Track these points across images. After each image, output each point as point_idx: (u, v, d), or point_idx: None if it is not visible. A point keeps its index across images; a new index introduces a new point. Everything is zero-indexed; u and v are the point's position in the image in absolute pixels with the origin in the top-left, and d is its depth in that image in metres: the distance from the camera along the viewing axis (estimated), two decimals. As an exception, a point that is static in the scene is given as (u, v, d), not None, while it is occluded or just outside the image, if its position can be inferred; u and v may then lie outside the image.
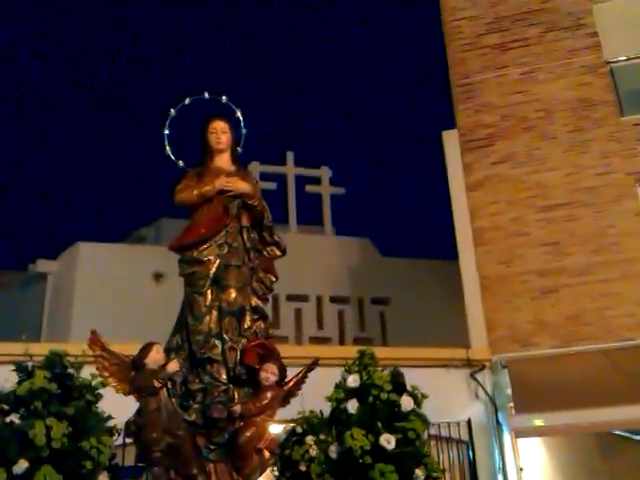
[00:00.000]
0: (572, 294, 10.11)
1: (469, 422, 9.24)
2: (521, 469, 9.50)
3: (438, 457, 7.64)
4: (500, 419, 9.77)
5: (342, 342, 13.42)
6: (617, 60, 11.27)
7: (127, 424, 5.03)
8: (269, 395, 5.21)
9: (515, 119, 11.25)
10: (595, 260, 10.21)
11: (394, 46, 31.76)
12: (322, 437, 5.47)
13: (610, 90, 11.04)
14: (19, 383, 5.11)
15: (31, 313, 12.88)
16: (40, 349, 5.92)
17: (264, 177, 13.68)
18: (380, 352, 6.17)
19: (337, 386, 5.71)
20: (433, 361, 9.69)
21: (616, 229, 10.28)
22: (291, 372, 5.53)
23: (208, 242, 5.50)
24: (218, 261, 5.45)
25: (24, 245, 24.00)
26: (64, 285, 12.84)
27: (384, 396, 5.46)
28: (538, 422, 8.69)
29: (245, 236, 5.64)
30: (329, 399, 5.66)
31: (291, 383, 5.50)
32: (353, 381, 5.59)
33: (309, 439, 5.54)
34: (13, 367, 5.24)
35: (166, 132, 5.87)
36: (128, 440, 5.62)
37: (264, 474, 5.26)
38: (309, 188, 14.71)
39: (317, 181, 14.81)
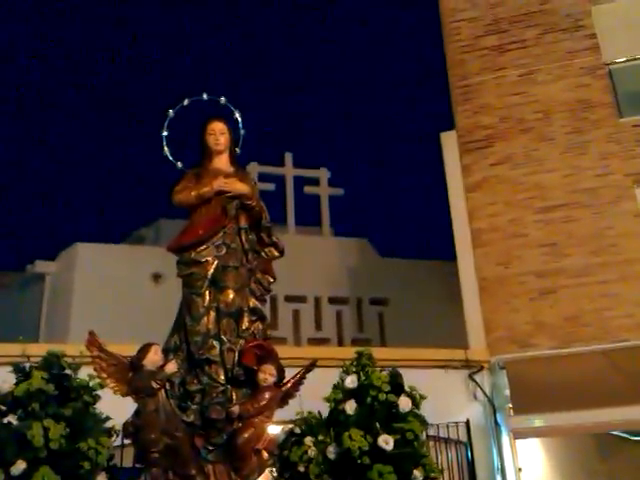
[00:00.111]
0: (571, 295, 10.11)
1: (467, 423, 9.23)
2: (520, 469, 9.50)
3: (437, 458, 7.61)
4: (499, 420, 9.78)
5: (340, 343, 13.42)
6: (616, 62, 11.27)
7: (125, 425, 5.03)
8: (267, 396, 5.22)
9: (513, 120, 11.26)
10: (594, 261, 10.21)
11: (394, 46, 31.80)
12: (320, 438, 5.47)
13: (609, 91, 11.05)
14: (17, 384, 5.10)
15: (29, 314, 12.86)
16: (38, 350, 5.92)
17: (263, 178, 13.68)
18: (378, 353, 6.16)
19: (335, 387, 5.70)
20: (431, 362, 9.70)
21: (615, 230, 10.28)
22: (289, 373, 5.54)
23: (206, 243, 5.51)
24: (216, 262, 5.45)
25: (23, 245, 23.99)
26: (62, 286, 12.83)
27: (382, 397, 5.45)
28: (537, 423, 8.70)
29: (243, 237, 5.65)
30: (327, 400, 5.65)
31: (289, 384, 5.51)
32: (351, 382, 5.59)
33: (308, 440, 5.53)
34: (11, 368, 5.23)
35: (164, 133, 5.88)
36: (126, 441, 5.63)
37: (263, 475, 5.26)
38: (308, 189, 14.71)
39: (316, 182, 14.81)
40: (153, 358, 5.03)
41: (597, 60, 11.24)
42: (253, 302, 5.57)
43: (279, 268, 5.93)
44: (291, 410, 5.66)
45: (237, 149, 6.04)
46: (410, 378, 5.79)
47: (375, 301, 14.02)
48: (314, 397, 5.57)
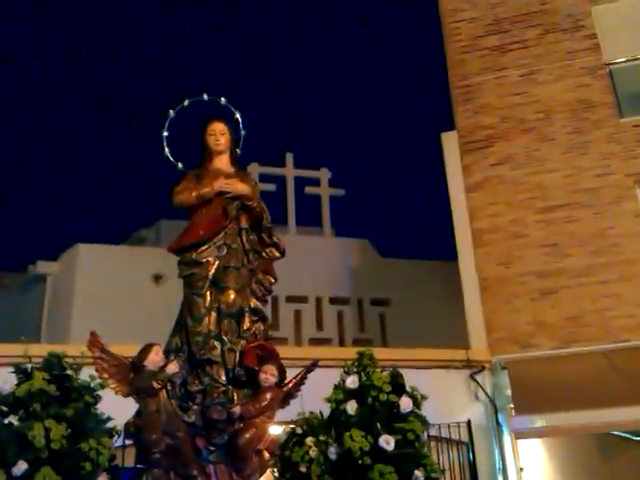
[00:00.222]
0: (572, 295, 10.11)
1: (469, 423, 9.24)
2: (521, 470, 9.50)
3: (438, 458, 7.62)
4: (500, 420, 9.78)
5: (342, 343, 13.42)
6: (616, 62, 11.27)
7: (126, 425, 5.03)
8: (268, 396, 5.22)
9: (514, 120, 11.26)
10: (595, 261, 10.21)
11: (394, 46, 31.80)
12: (322, 438, 5.47)
13: (609, 92, 11.05)
14: (18, 385, 5.10)
15: (31, 314, 12.88)
16: (39, 350, 5.91)
17: (263, 178, 13.69)
18: (380, 353, 6.16)
19: (336, 387, 5.70)
20: (433, 362, 9.70)
21: (616, 230, 10.28)
22: (290, 373, 5.54)
23: (207, 244, 5.50)
24: (217, 263, 5.45)
25: (24, 246, 24.00)
26: (64, 286, 12.84)
27: (383, 397, 5.45)
28: (538, 423, 8.70)
29: (244, 238, 5.64)
30: (328, 400, 5.65)
31: (290, 384, 5.51)
32: (352, 382, 5.58)
33: (309, 440, 5.52)
34: (12, 369, 5.23)
35: (165, 134, 5.87)
36: (128, 441, 5.63)
37: (264, 475, 5.26)
38: (308, 189, 14.72)
39: (316, 182, 14.81)
40: (154, 359, 5.03)
41: (598, 60, 11.24)
42: (254, 302, 5.57)
43: (280, 268, 5.93)
44: (292, 410, 5.66)
45: (238, 150, 6.03)
46: (411, 378, 5.79)
47: (376, 301, 14.02)
48: (315, 397, 5.57)
